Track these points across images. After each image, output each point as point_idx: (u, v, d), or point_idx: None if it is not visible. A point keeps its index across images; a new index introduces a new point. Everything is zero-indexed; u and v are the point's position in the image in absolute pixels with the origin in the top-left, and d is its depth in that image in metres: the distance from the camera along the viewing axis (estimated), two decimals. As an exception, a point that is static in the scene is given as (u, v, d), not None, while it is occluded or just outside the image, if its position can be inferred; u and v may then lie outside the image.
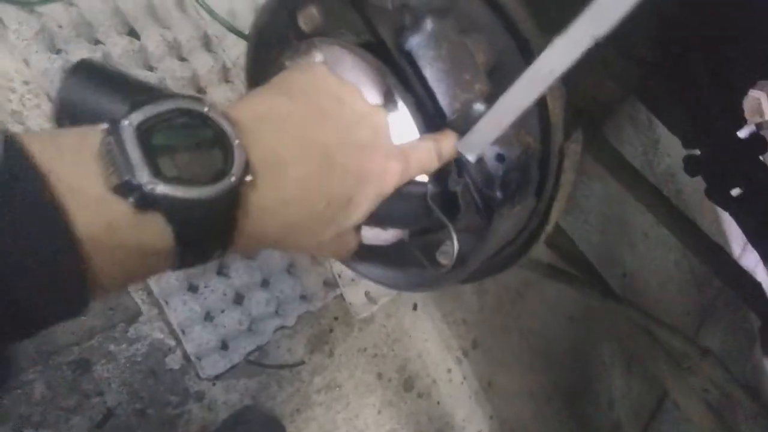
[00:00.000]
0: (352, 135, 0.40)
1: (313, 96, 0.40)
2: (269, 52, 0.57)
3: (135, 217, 0.28)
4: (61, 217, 0.26)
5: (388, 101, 0.45)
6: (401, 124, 0.45)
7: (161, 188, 0.27)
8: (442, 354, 1.38)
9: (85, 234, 0.26)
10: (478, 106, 0.43)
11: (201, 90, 1.00)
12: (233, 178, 0.30)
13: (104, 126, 0.29)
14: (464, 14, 0.46)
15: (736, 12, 0.78)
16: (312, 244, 0.41)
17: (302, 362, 1.12)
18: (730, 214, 1.13)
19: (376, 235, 0.51)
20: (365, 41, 0.49)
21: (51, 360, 0.87)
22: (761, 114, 2.79)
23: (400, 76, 0.46)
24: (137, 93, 0.39)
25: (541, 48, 0.42)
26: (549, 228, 0.50)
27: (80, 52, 0.84)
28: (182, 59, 0.97)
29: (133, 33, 0.91)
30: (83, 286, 0.27)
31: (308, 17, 0.51)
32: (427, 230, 0.54)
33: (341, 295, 1.18)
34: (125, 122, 0.28)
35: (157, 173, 0.28)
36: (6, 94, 0.82)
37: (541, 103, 0.44)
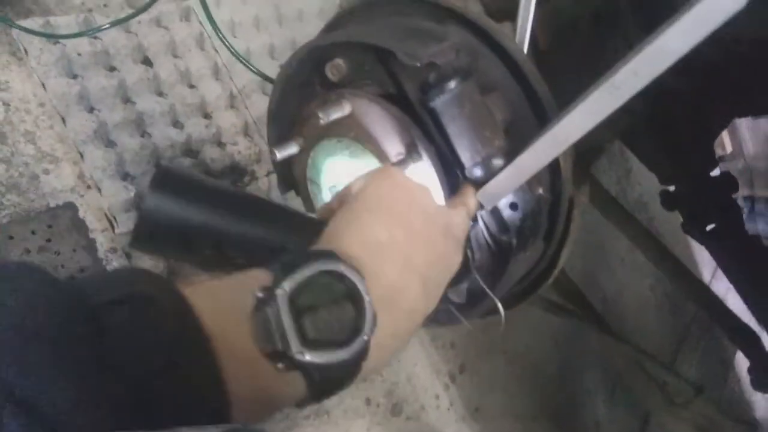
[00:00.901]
0: (440, 252, 0.42)
1: (405, 215, 0.41)
2: (294, 97, 0.61)
3: (279, 376, 0.31)
4: (219, 374, 0.29)
5: (412, 151, 0.50)
6: (423, 172, 0.49)
7: (308, 356, 0.31)
8: (431, 378, 1.41)
9: (234, 389, 0.30)
10: (497, 161, 0.48)
11: (207, 115, 1.03)
12: (365, 337, 0.33)
13: (258, 292, 0.32)
14: (484, 74, 0.50)
15: (714, 62, 0.85)
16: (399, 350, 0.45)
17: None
18: (706, 248, 1.21)
19: None
20: (388, 93, 0.54)
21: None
22: (723, 147, 2.94)
23: (422, 128, 0.50)
24: (232, 207, 0.40)
25: (553, 109, 0.47)
26: (557, 271, 0.54)
27: (96, 78, 0.87)
28: (192, 86, 1.01)
29: (147, 61, 0.94)
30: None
31: (336, 68, 0.55)
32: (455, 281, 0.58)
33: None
34: (279, 291, 0.31)
35: (304, 341, 0.31)
36: (21, 115, 0.84)
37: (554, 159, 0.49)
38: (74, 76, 0.86)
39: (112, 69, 0.90)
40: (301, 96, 0.61)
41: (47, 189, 0.87)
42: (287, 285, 0.31)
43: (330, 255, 0.34)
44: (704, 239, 1.12)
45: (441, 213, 0.44)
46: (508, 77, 0.50)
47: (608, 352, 1.18)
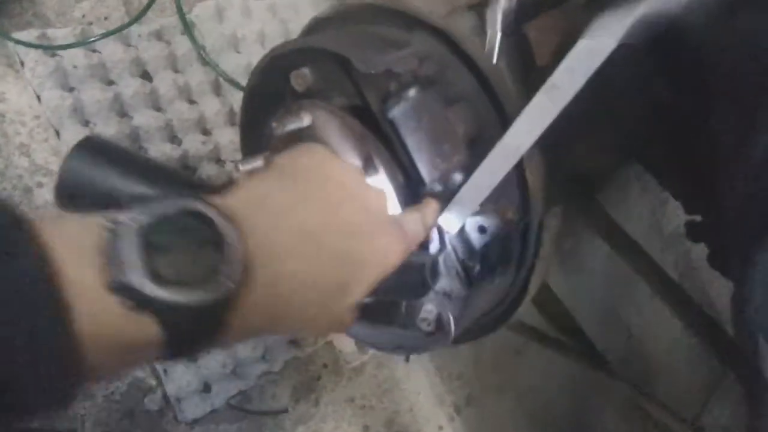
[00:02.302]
0: (346, 220, 0.40)
1: (314, 182, 0.40)
2: (263, 109, 0.58)
3: (128, 315, 0.28)
4: (61, 306, 0.26)
5: (369, 166, 0.46)
6: (380, 188, 0.46)
7: (153, 291, 0.28)
8: (434, 409, 1.34)
9: (81, 327, 0.26)
10: (457, 176, 0.44)
11: (207, 131, 1.02)
12: (229, 283, 0.30)
13: (108, 221, 0.29)
14: (451, 84, 0.47)
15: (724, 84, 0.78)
16: (304, 327, 0.41)
17: (286, 410, 1.09)
18: (732, 282, 1.11)
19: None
20: (354, 105, 0.51)
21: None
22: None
23: (384, 142, 0.47)
24: (146, 173, 0.40)
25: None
26: (528, 298, 0.49)
27: (93, 91, 0.87)
28: (191, 101, 1.00)
29: (145, 75, 0.95)
30: (76, 377, 0.27)
31: (301, 77, 0.52)
32: (411, 293, 0.54)
33: (331, 341, 1.16)
34: (129, 221, 0.29)
35: (154, 276, 0.28)
36: (16, 127, 0.85)
37: (521, 177, 0.44)
38: (70, 89, 0.87)
39: (110, 82, 0.91)
40: (270, 107, 0.58)
41: (40, 202, 0.87)
42: (141, 217, 0.29)
43: (197, 197, 0.32)
44: (730, 273, 1.02)
45: (381, 205, 0.43)
46: (476, 88, 0.46)
47: (604, 388, 1.08)
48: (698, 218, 1.14)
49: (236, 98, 1.06)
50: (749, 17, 0.42)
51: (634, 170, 2.19)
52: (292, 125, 0.49)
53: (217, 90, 1.03)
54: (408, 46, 0.46)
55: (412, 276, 0.49)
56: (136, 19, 0.89)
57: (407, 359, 1.30)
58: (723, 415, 2.18)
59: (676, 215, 2.34)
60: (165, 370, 0.94)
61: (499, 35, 0.48)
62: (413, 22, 0.49)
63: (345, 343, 1.16)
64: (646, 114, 0.76)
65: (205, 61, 0.99)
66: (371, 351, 1.18)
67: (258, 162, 0.57)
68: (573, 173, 0.78)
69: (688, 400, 1.78)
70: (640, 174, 2.25)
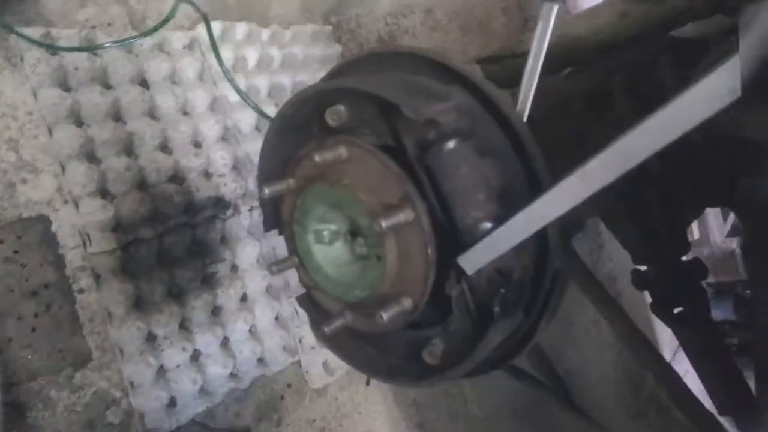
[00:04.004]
0: None
1: None
2: (290, 136, 0.61)
3: None
4: None
5: (405, 206, 0.50)
6: (415, 228, 0.49)
7: None
8: (389, 434, 1.36)
9: None
10: (486, 225, 0.48)
11: (198, 144, 1.03)
12: None
13: None
14: (483, 138, 0.51)
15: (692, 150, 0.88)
16: None
17: (248, 429, 1.08)
18: (672, 330, 1.23)
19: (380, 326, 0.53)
20: (385, 145, 0.54)
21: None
22: (691, 233, 3.06)
23: (415, 182, 0.51)
24: None
25: (549, 184, 0.48)
26: (532, 343, 0.54)
27: (91, 94, 0.86)
28: (186, 114, 1.01)
29: (144, 84, 0.95)
30: None
31: (336, 114, 0.55)
32: (417, 325, 0.57)
33: (299, 361, 1.17)
34: None
35: None
36: (7, 121, 0.83)
37: (541, 230, 0.49)
38: (68, 89, 0.85)
39: (108, 87, 0.90)
40: (297, 137, 0.61)
41: (23, 199, 0.84)
42: None
43: None
44: (671, 322, 1.14)
45: None
46: (507, 145, 0.51)
47: (568, 425, 1.16)
48: (643, 268, 1.26)
49: (230, 117, 1.07)
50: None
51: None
52: (329, 155, 0.52)
53: (212, 105, 1.04)
54: (448, 98, 0.51)
55: (427, 312, 0.52)
56: (149, 32, 0.89)
57: (368, 383, 1.32)
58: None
59: (610, 260, 2.53)
60: (132, 383, 0.92)
61: (532, 95, 0.53)
62: (452, 75, 0.54)
63: (312, 364, 1.17)
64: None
65: (221, 77, 1.00)
66: (336, 374, 1.20)
67: (282, 187, 0.59)
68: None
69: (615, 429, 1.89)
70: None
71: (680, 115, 0.35)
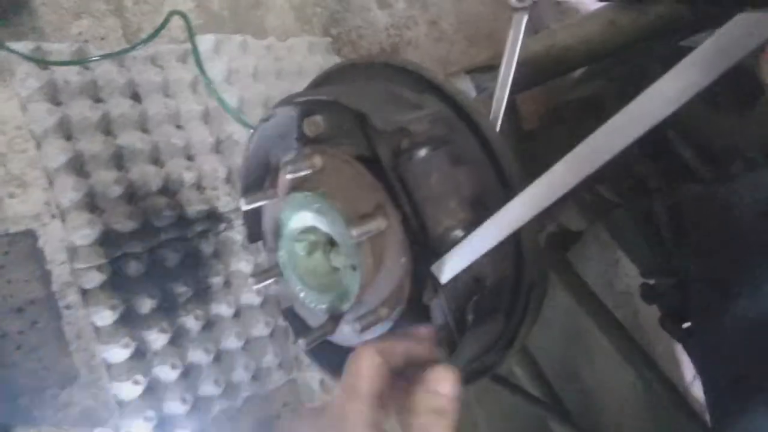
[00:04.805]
0: None
1: None
2: (269, 148, 0.60)
3: None
4: None
5: (378, 214, 0.48)
6: (389, 236, 0.48)
7: None
8: (390, 455, 1.32)
9: None
10: (458, 233, 0.46)
11: (191, 157, 1.02)
12: None
13: None
14: (457, 147, 0.50)
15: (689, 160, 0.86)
16: None
17: (243, 449, 1.05)
18: (681, 345, 1.18)
19: (358, 337, 0.52)
20: (363, 155, 0.53)
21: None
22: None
23: (390, 192, 0.49)
24: None
25: (520, 187, 0.46)
26: (513, 352, 0.51)
27: (81, 108, 0.86)
28: (179, 127, 1.00)
29: (136, 97, 0.94)
30: None
31: (314, 124, 0.54)
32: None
33: (295, 379, 1.14)
34: None
35: None
36: (-5, 136, 0.82)
37: (516, 236, 0.47)
38: (58, 103, 0.85)
39: (98, 100, 0.90)
40: (277, 149, 0.60)
41: (10, 213, 0.84)
42: None
43: None
44: (679, 336, 1.10)
45: None
46: (479, 153, 0.50)
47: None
48: (651, 282, 1.22)
49: (224, 128, 1.07)
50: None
51: (592, 232, 2.30)
52: (305, 168, 0.51)
53: (205, 118, 1.04)
54: (420, 107, 0.50)
55: (404, 323, 0.50)
56: (137, 45, 0.89)
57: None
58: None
59: (626, 275, 2.46)
60: (119, 402, 0.90)
61: (504, 103, 0.52)
62: (426, 84, 0.53)
63: (308, 382, 1.14)
64: (622, 187, 0.82)
65: (208, 91, 1.00)
66: (334, 392, 1.17)
67: (262, 199, 0.58)
68: (550, 231, 0.82)
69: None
70: (597, 235, 2.37)
71: (640, 111, 0.33)
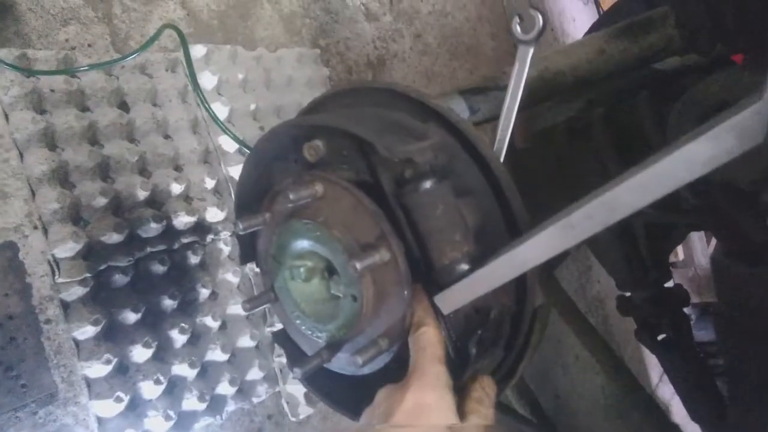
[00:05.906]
0: None
1: None
2: (267, 170, 0.60)
3: None
4: None
5: (380, 245, 0.48)
6: (390, 267, 0.48)
7: None
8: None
9: None
10: (463, 266, 0.47)
11: (179, 167, 1.00)
12: None
13: None
14: (460, 177, 0.50)
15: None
16: None
17: (226, 463, 1.04)
18: (655, 356, 1.22)
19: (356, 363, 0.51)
20: (363, 181, 0.53)
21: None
22: (675, 254, 3.06)
23: (392, 220, 0.49)
24: None
25: (525, 223, 0.47)
26: (513, 381, 0.52)
27: (66, 117, 0.84)
28: (167, 137, 0.98)
29: (123, 106, 0.93)
30: None
31: (314, 149, 0.54)
32: (397, 366, 0.55)
33: (279, 392, 1.14)
34: None
35: None
36: (-24, 145, 0.80)
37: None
38: (42, 112, 0.83)
39: (85, 109, 0.88)
40: (274, 171, 0.59)
41: (-12, 224, 0.81)
42: None
43: None
44: (654, 348, 1.13)
45: None
46: (484, 184, 0.50)
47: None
48: (627, 294, 1.26)
49: (213, 139, 1.05)
50: None
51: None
52: (306, 195, 0.50)
53: (194, 128, 1.02)
54: (425, 136, 0.50)
55: (403, 353, 0.50)
56: (128, 56, 0.87)
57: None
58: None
59: (598, 282, 2.52)
60: (99, 420, 0.88)
61: (509, 134, 0.52)
62: (429, 113, 0.53)
63: (293, 395, 1.14)
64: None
65: (198, 101, 0.99)
66: (319, 404, 1.16)
67: (258, 223, 0.57)
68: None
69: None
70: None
71: (683, 165, 0.33)
